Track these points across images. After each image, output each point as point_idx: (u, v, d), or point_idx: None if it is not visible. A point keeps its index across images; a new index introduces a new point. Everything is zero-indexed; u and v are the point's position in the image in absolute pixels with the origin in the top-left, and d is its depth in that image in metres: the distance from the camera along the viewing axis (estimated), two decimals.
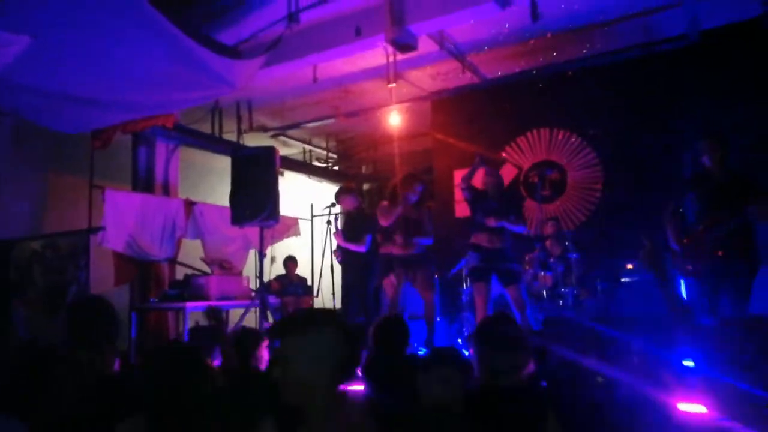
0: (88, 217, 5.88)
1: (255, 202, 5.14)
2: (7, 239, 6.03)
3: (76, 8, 3.63)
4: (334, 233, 5.57)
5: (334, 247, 5.78)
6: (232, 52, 4.98)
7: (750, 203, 3.67)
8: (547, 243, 6.05)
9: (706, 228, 3.84)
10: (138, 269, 6.34)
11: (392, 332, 3.10)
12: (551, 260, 5.88)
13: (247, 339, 3.47)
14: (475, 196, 4.98)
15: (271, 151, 5.33)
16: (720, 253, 3.76)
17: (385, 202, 5.21)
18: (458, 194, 7.67)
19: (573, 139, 7.03)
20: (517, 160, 7.37)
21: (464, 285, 6.25)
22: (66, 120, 5.10)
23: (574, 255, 5.70)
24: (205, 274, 6.17)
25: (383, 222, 5.07)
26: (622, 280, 5.48)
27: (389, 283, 5.14)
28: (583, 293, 5.53)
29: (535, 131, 7.28)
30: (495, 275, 4.78)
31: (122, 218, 6.01)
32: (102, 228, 5.73)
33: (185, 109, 6.43)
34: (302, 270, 7.81)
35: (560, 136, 7.12)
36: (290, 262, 7.67)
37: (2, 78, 4.26)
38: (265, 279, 6.28)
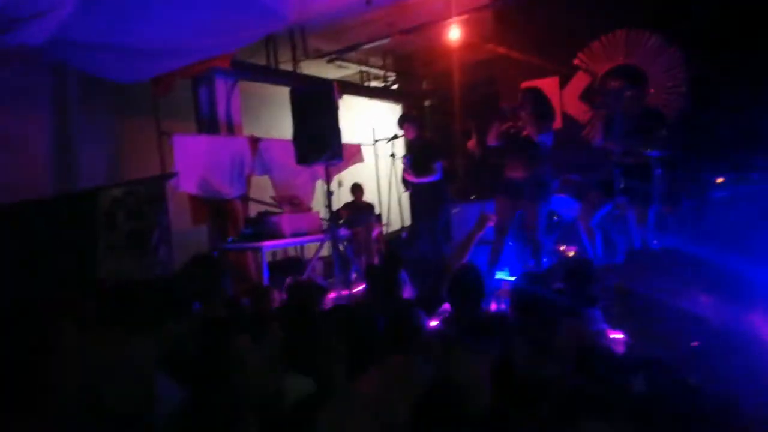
0: (160, 163, 6.04)
1: (318, 142, 5.08)
2: (90, 188, 6.32)
3: None
4: (403, 171, 5.46)
5: (400, 183, 5.69)
6: None
7: None
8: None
9: None
10: (213, 209, 6.54)
11: (468, 287, 3.04)
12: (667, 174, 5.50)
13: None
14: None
15: (329, 87, 5.18)
16: None
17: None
18: None
19: (654, 39, 6.39)
20: (590, 66, 6.82)
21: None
22: (124, 71, 5.11)
23: (657, 170, 5.31)
24: (275, 211, 6.28)
25: (490, 141, 4.88)
26: (711, 196, 5.10)
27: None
28: (667, 212, 5.21)
29: (610, 34, 6.66)
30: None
31: (192, 161, 6.13)
32: (175, 174, 5.88)
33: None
34: (369, 196, 7.82)
35: (639, 37, 6.48)
36: (357, 189, 7.68)
37: (60, 36, 4.26)
38: (335, 207, 6.35)
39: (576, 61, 6.85)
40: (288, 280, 4.59)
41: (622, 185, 4.56)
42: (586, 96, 6.81)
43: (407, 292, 4.00)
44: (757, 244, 4.67)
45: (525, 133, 4.77)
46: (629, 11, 6.41)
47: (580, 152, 6.66)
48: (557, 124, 7.04)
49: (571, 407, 1.68)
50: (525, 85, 7.17)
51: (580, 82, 6.86)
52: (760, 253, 4.59)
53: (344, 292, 5.17)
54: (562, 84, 6.99)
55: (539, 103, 4.77)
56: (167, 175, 5.88)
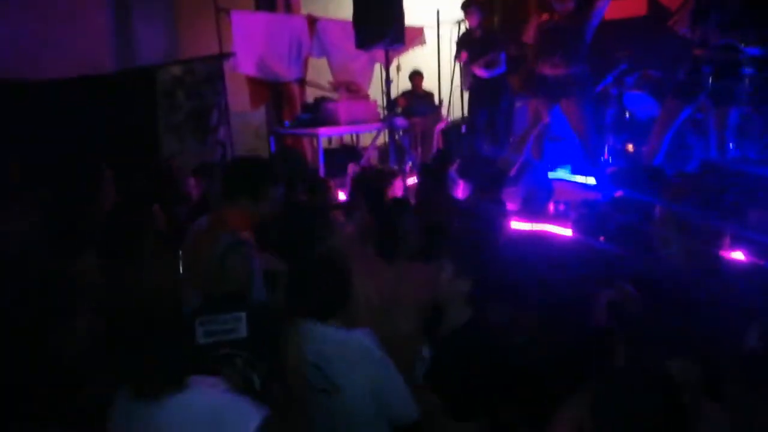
0: (218, 40, 5.90)
1: (379, 24, 4.79)
2: (150, 65, 6.31)
3: None
4: (465, 63, 5.14)
5: (463, 78, 5.40)
6: None
7: None
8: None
9: None
10: (271, 91, 6.47)
11: None
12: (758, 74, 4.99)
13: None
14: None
15: None
16: None
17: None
18: None
19: None
20: None
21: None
22: None
23: (748, 70, 4.78)
24: (332, 97, 6.15)
25: (526, 38, 4.53)
26: None
27: (533, 107, 4.76)
28: (751, 116, 4.74)
29: None
30: None
31: (250, 40, 5.97)
32: (233, 54, 5.76)
33: None
34: (429, 83, 7.51)
35: None
36: (416, 76, 7.37)
37: None
38: (393, 94, 6.15)
39: None
40: (350, 167, 4.58)
41: (708, 86, 4.13)
42: None
43: (460, 191, 3.92)
44: None
45: (564, 24, 4.33)
46: None
47: (665, 45, 6.08)
48: (639, 9, 6.38)
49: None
50: None
51: None
52: None
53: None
54: None
55: None
56: (225, 55, 5.78)
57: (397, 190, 3.88)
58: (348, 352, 1.76)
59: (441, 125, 6.56)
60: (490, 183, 4.03)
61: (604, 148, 5.58)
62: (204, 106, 6.20)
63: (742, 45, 4.00)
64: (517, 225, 3.71)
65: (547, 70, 4.47)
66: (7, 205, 3.26)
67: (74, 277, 1.92)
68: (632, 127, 5.49)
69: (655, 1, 6.20)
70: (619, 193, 3.62)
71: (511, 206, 3.92)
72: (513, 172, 4.23)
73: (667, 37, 6.07)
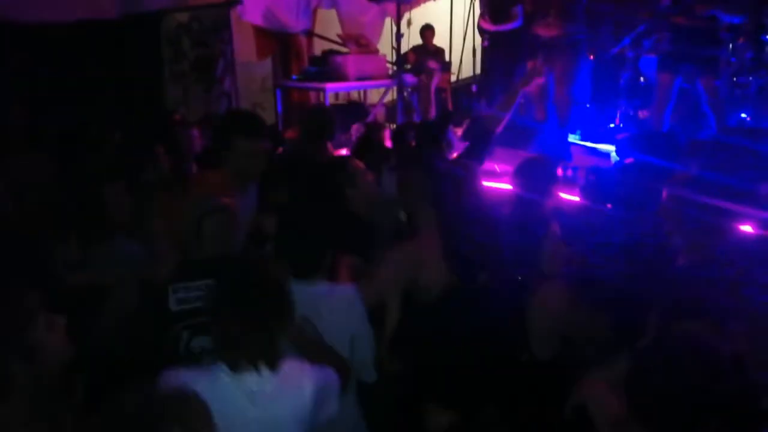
0: None
1: None
2: (155, 11, 6.14)
3: None
4: (479, 17, 4.98)
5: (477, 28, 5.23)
6: None
7: None
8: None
9: None
10: (278, 42, 6.30)
11: None
12: (739, 42, 4.88)
13: None
14: None
15: None
16: None
17: None
18: None
19: None
20: None
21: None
22: None
23: (729, 37, 4.60)
24: (341, 50, 6.00)
25: None
26: None
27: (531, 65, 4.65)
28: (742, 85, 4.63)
29: None
30: None
31: None
32: (240, 1, 5.59)
33: None
34: (440, 39, 7.31)
35: None
36: (427, 30, 7.14)
37: None
38: (403, 49, 5.99)
39: None
40: (354, 128, 4.51)
41: (694, 54, 3.99)
42: None
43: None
44: None
45: None
46: None
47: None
48: None
49: None
50: None
51: None
52: None
53: None
54: None
55: None
56: (232, 2, 5.61)
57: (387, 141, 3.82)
58: (336, 303, 1.81)
59: (435, 82, 6.34)
60: (474, 143, 3.97)
61: (616, 113, 5.47)
62: (210, 55, 6.05)
63: (726, 15, 3.87)
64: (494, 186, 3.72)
65: (542, 31, 4.34)
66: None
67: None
68: (647, 92, 5.35)
69: None
70: (629, 160, 3.56)
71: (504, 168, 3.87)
72: (499, 129, 4.16)
73: None
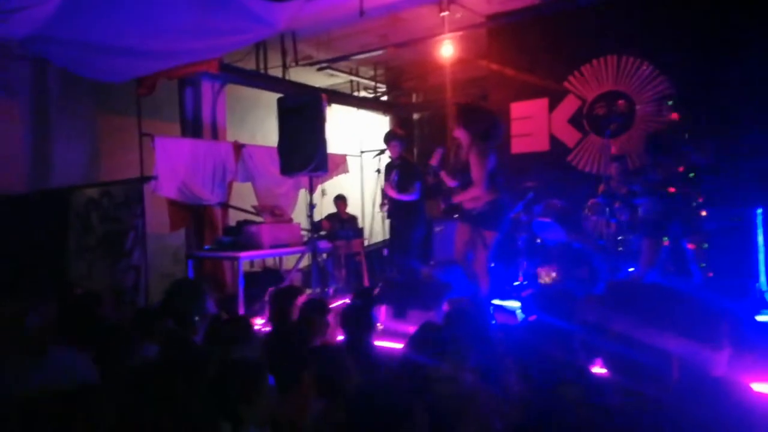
0: (139, 164, 5.88)
1: (303, 152, 4.99)
2: (65, 186, 6.14)
3: None
4: (384, 186, 5.39)
5: (381, 199, 5.61)
6: None
7: None
8: (612, 184, 5.66)
9: None
10: (192, 214, 6.40)
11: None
12: (616, 206, 5.52)
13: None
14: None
15: (317, 97, 5.09)
16: None
17: None
18: (515, 128, 7.28)
19: (644, 67, 6.40)
20: (580, 91, 6.81)
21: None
22: (108, 70, 4.97)
23: (642, 199, 5.31)
24: (256, 220, 6.16)
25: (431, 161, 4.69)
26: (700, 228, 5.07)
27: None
28: (658, 244, 5.17)
29: (601, 59, 6.65)
30: None
31: (173, 165, 5.99)
32: (154, 177, 5.73)
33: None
34: (353, 208, 7.72)
35: (629, 64, 6.49)
36: (340, 201, 7.57)
37: (43, 32, 4.14)
38: (317, 218, 6.24)
39: (566, 84, 6.85)
40: (269, 291, 4.48)
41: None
42: (575, 121, 6.80)
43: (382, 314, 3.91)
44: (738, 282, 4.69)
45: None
46: (621, 38, 6.42)
47: (566, 176, 6.67)
48: (543, 146, 7.05)
49: None
50: (515, 105, 7.21)
51: (569, 105, 6.85)
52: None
53: None
54: (552, 106, 6.98)
55: (473, 122, 4.30)
56: (146, 178, 5.74)
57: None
58: None
59: (355, 246, 6.61)
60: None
61: (519, 272, 5.82)
62: (119, 229, 6.01)
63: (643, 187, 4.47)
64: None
65: (464, 202, 4.58)
66: None
67: None
68: (544, 251, 5.79)
69: (556, 139, 6.91)
70: (533, 317, 3.72)
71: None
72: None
73: (568, 170, 6.74)
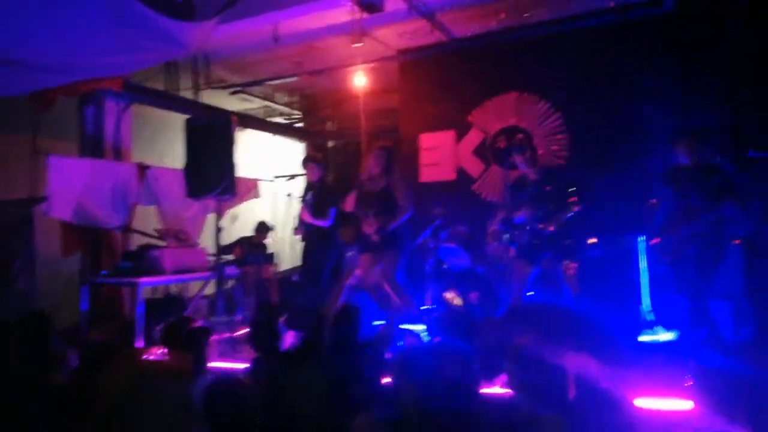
0: (29, 184, 5.51)
1: (211, 175, 4.88)
2: None
3: None
4: (300, 209, 5.39)
5: (295, 222, 5.61)
6: (185, 12, 4.57)
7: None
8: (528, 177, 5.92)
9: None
10: (88, 238, 6.03)
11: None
12: (516, 233, 5.82)
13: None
14: None
15: (226, 119, 5.03)
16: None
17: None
18: (424, 158, 7.54)
19: (541, 104, 6.88)
20: (483, 124, 7.19)
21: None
22: (1, 83, 4.66)
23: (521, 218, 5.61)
24: (158, 244, 5.92)
25: (347, 207, 4.91)
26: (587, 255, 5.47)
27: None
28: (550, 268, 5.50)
29: (502, 95, 7.08)
30: None
31: (69, 185, 5.64)
32: (45, 198, 5.38)
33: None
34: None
35: (528, 101, 6.95)
36: (261, 230, 7.36)
37: None
38: (226, 242, 6.08)
39: (470, 118, 7.21)
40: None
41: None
42: (479, 152, 7.15)
43: (289, 340, 3.86)
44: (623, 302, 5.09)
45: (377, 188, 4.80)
46: (519, 76, 6.89)
47: (470, 204, 6.97)
48: (450, 175, 7.35)
49: None
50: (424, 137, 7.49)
51: (473, 138, 7.20)
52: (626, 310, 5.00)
53: (225, 335, 4.91)
54: (459, 138, 7.31)
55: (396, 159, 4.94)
56: (35, 199, 5.37)
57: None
58: None
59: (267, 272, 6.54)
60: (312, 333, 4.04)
61: (426, 295, 5.97)
62: (7, 253, 5.58)
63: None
64: None
65: (366, 229, 4.81)
66: None
67: None
68: (449, 276, 5.99)
69: (462, 169, 7.23)
70: (437, 339, 3.84)
71: None
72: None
73: (473, 199, 7.05)
